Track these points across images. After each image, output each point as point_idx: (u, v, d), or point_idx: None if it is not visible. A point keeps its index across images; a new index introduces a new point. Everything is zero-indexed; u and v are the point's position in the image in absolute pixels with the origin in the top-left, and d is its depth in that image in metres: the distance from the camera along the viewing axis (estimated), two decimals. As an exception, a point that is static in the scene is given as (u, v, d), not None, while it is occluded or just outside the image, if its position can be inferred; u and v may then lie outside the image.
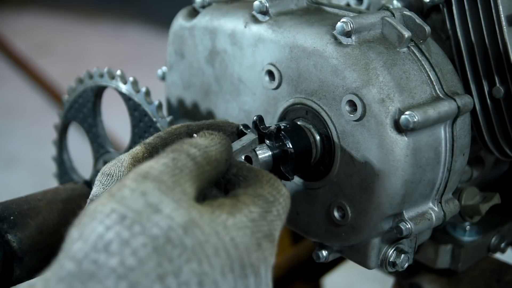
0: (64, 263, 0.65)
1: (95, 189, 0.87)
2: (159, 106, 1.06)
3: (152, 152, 0.90)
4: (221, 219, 0.71)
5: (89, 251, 0.65)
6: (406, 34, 0.89)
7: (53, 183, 1.21)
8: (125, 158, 0.88)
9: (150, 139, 0.91)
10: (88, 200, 0.88)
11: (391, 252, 0.97)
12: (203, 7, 1.11)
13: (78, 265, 0.64)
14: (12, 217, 0.94)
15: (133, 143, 1.08)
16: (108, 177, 0.87)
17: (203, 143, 0.77)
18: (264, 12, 0.99)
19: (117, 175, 0.87)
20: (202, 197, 0.76)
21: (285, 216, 0.78)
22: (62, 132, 1.22)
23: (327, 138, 0.94)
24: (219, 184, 0.81)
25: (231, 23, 1.03)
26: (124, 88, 1.08)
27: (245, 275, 0.71)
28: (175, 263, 0.66)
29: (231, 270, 0.70)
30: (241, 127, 0.93)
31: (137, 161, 0.88)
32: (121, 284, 0.64)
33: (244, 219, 0.72)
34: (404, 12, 0.93)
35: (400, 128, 0.85)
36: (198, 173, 0.74)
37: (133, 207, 0.67)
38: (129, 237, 0.65)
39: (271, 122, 1.01)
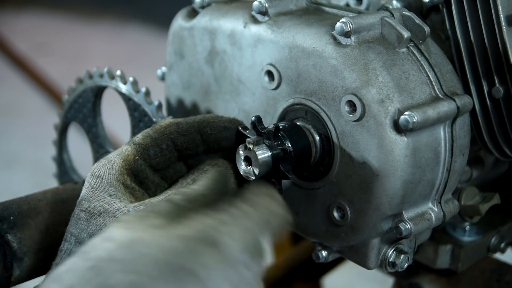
0: None
1: (84, 191, 0.85)
2: (159, 106, 1.06)
3: (143, 154, 0.88)
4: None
5: None
6: (406, 34, 0.89)
7: (53, 183, 1.21)
8: (116, 160, 0.86)
9: (139, 139, 0.89)
10: (77, 203, 0.86)
11: (390, 252, 0.97)
12: (203, 7, 1.11)
13: None
14: (12, 217, 0.94)
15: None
16: (97, 180, 0.85)
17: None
18: (264, 13, 0.99)
19: (107, 178, 0.85)
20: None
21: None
22: (62, 132, 1.22)
23: (326, 138, 0.94)
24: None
25: (231, 24, 1.03)
26: (124, 88, 1.09)
27: (180, 279, 0.63)
28: None
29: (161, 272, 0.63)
30: (240, 128, 0.93)
31: (128, 164, 0.86)
32: None
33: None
34: (404, 12, 0.93)
35: (399, 128, 0.85)
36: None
37: None
38: None
39: (270, 122, 1.00)
